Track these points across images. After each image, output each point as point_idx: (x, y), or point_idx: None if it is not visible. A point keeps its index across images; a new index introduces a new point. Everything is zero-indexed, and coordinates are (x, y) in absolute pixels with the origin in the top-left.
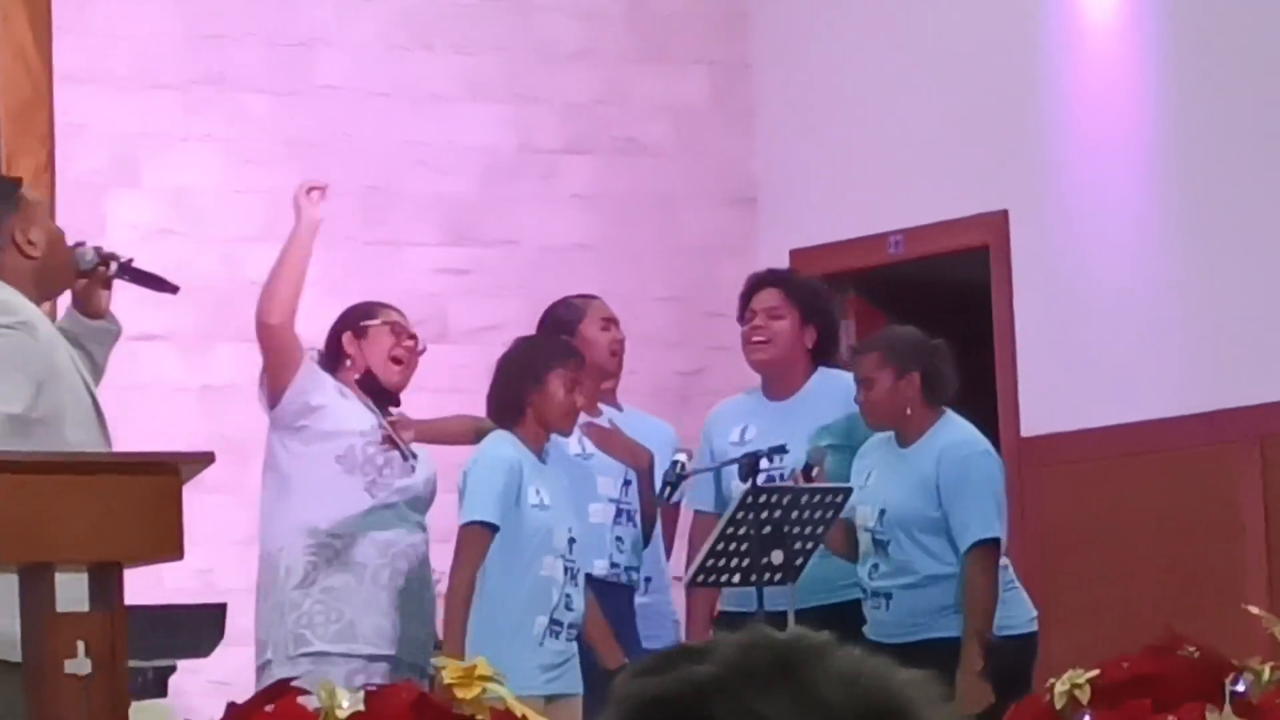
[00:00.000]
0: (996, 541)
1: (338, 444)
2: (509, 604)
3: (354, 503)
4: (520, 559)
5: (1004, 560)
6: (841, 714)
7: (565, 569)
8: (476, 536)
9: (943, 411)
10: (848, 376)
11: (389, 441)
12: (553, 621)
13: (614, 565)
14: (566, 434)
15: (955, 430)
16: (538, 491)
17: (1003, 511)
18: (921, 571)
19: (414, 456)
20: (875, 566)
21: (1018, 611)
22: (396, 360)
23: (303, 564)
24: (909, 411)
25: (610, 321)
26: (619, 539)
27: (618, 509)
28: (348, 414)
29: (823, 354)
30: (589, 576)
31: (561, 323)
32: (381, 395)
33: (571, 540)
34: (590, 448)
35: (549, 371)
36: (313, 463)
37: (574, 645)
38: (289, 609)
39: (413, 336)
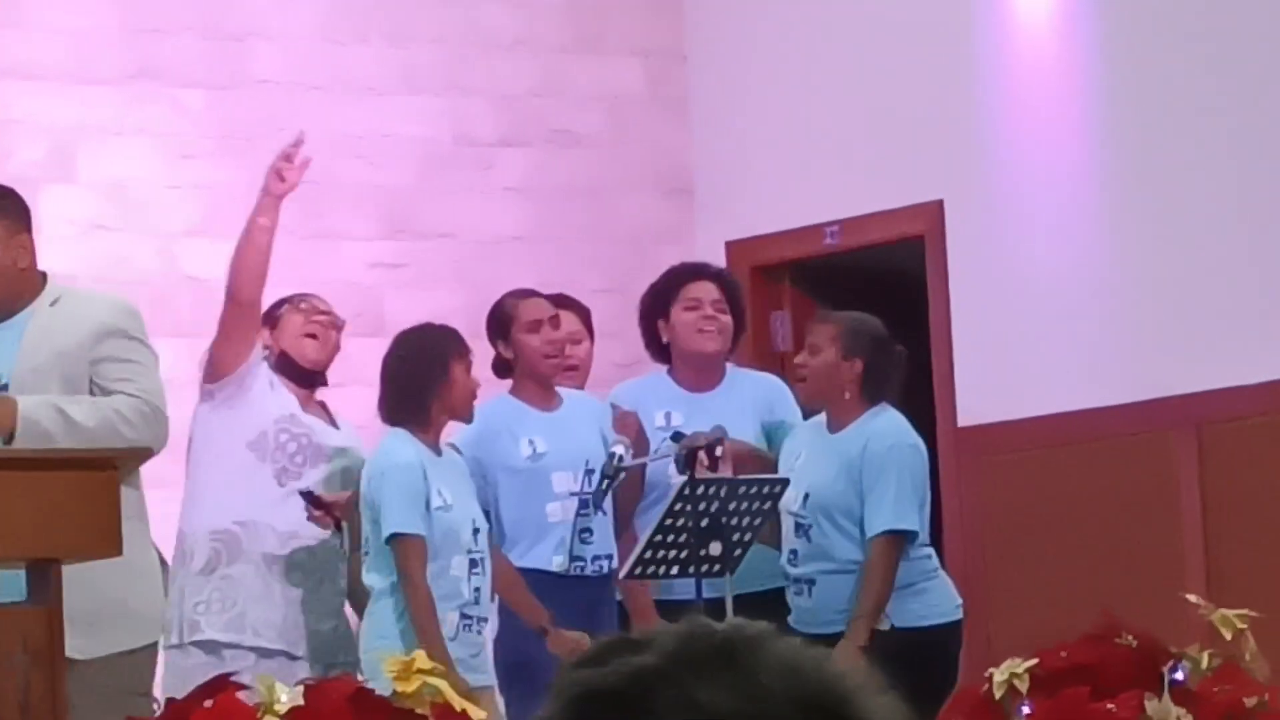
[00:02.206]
0: (905, 535)
1: (251, 429)
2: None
3: (260, 491)
4: (433, 564)
5: (927, 550)
6: (782, 702)
7: (471, 563)
8: (410, 547)
9: (880, 405)
10: (761, 376)
11: (320, 520)
12: (463, 616)
13: (576, 559)
14: (468, 421)
15: (886, 421)
16: (440, 492)
17: (924, 506)
18: (841, 557)
19: (328, 456)
20: (794, 553)
21: (942, 600)
22: (310, 335)
23: (206, 549)
24: (846, 396)
25: (539, 323)
26: (585, 530)
27: (581, 501)
28: (270, 402)
29: (730, 352)
30: (544, 572)
31: (498, 327)
32: (305, 378)
33: (475, 531)
34: (541, 447)
35: (451, 360)
36: (227, 447)
37: (484, 637)
38: (190, 593)
39: (325, 313)
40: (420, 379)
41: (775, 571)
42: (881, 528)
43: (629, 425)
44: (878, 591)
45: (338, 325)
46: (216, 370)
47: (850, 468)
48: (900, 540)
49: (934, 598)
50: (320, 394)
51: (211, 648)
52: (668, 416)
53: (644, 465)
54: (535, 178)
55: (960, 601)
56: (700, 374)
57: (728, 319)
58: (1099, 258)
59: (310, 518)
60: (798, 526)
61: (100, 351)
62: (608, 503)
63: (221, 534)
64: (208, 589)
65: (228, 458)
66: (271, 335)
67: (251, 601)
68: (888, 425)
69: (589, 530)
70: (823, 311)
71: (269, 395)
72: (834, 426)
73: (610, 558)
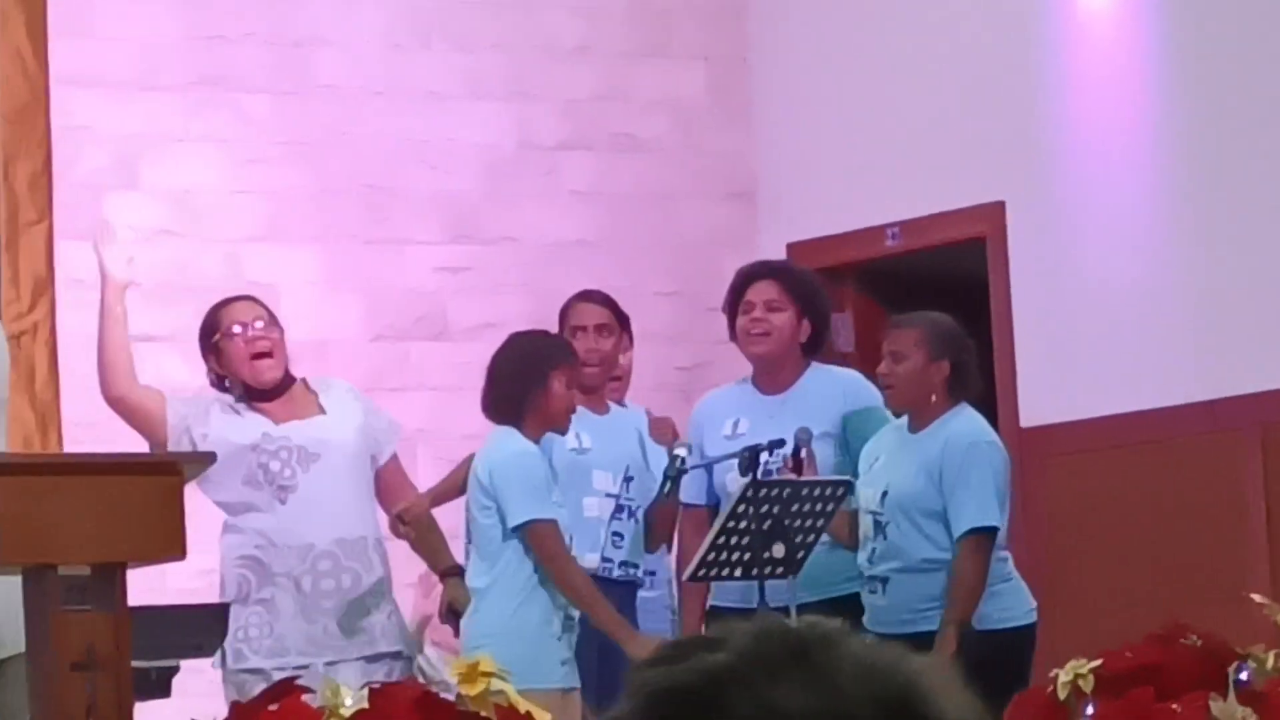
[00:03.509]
0: (992, 531)
1: (236, 463)
2: (537, 600)
3: (269, 513)
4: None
5: (1004, 553)
6: (856, 701)
7: None
8: (545, 533)
9: (960, 404)
10: (841, 372)
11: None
12: (566, 616)
13: (606, 560)
14: (564, 433)
15: (966, 420)
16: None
17: (1005, 504)
18: (917, 555)
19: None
20: (873, 551)
21: (1016, 603)
22: (259, 356)
23: (235, 577)
24: (933, 399)
25: (580, 329)
26: (616, 534)
27: (617, 504)
28: (237, 433)
29: (813, 348)
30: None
31: (561, 324)
32: (272, 392)
33: (570, 537)
34: (587, 443)
35: (551, 371)
36: (224, 483)
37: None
38: (231, 622)
39: (256, 322)
40: (519, 386)
41: (844, 577)
42: (967, 526)
43: (665, 430)
44: (969, 591)
45: (279, 326)
46: (159, 447)
47: (930, 466)
48: (987, 538)
49: (1009, 600)
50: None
51: (260, 673)
52: (734, 425)
53: (707, 465)
54: (598, 182)
55: (1034, 605)
56: (771, 377)
57: (782, 317)
58: (1161, 257)
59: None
60: (876, 524)
61: None
62: (639, 514)
63: (246, 560)
64: (245, 615)
65: (229, 491)
66: (219, 364)
67: (287, 623)
68: (968, 424)
69: (620, 535)
70: (896, 317)
71: (234, 425)
72: (915, 427)
73: (636, 567)
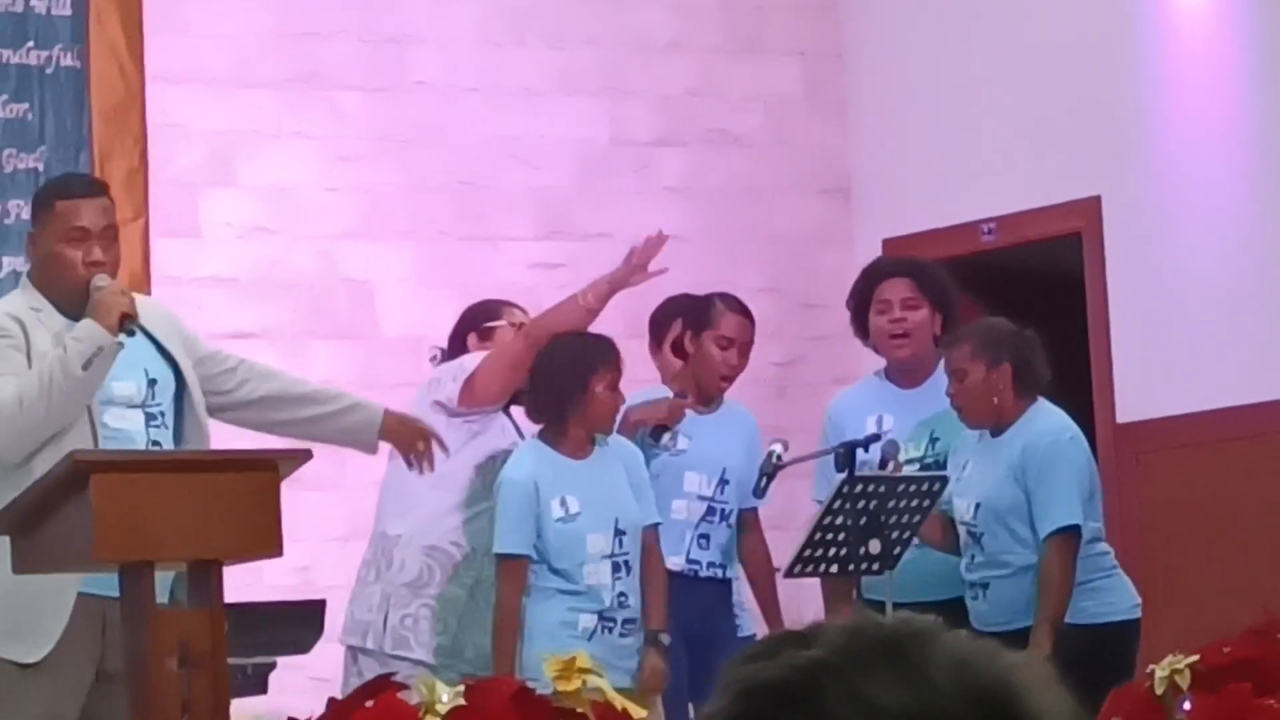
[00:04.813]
0: (1077, 529)
1: (482, 455)
2: (554, 605)
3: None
4: (559, 572)
5: (1104, 546)
6: (951, 697)
7: (614, 566)
8: (509, 568)
9: (1035, 400)
10: None
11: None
12: (602, 618)
13: (692, 562)
14: (608, 434)
15: (1044, 418)
16: (563, 502)
17: (1095, 499)
18: (1015, 564)
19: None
20: (972, 558)
21: (1120, 598)
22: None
23: (419, 563)
24: (996, 401)
25: (730, 341)
26: (703, 537)
27: (708, 506)
28: (500, 429)
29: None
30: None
31: (696, 320)
32: (514, 399)
33: (621, 533)
34: (683, 445)
35: (592, 375)
36: (456, 466)
37: (638, 639)
38: (396, 604)
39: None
40: (560, 390)
41: (942, 582)
42: (1051, 528)
43: (675, 411)
44: (1058, 592)
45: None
46: (477, 398)
47: (1014, 470)
48: (1072, 537)
49: (1112, 595)
50: None
51: (419, 665)
52: (879, 421)
53: (803, 461)
54: (692, 178)
55: (1139, 600)
56: (904, 373)
57: (920, 315)
58: (1258, 252)
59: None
60: (971, 535)
61: None
62: (733, 518)
63: (437, 551)
64: (416, 604)
65: (453, 478)
66: (480, 345)
67: (466, 627)
68: (1045, 423)
69: (706, 537)
70: (946, 336)
71: (502, 421)
72: (995, 431)
73: (724, 568)
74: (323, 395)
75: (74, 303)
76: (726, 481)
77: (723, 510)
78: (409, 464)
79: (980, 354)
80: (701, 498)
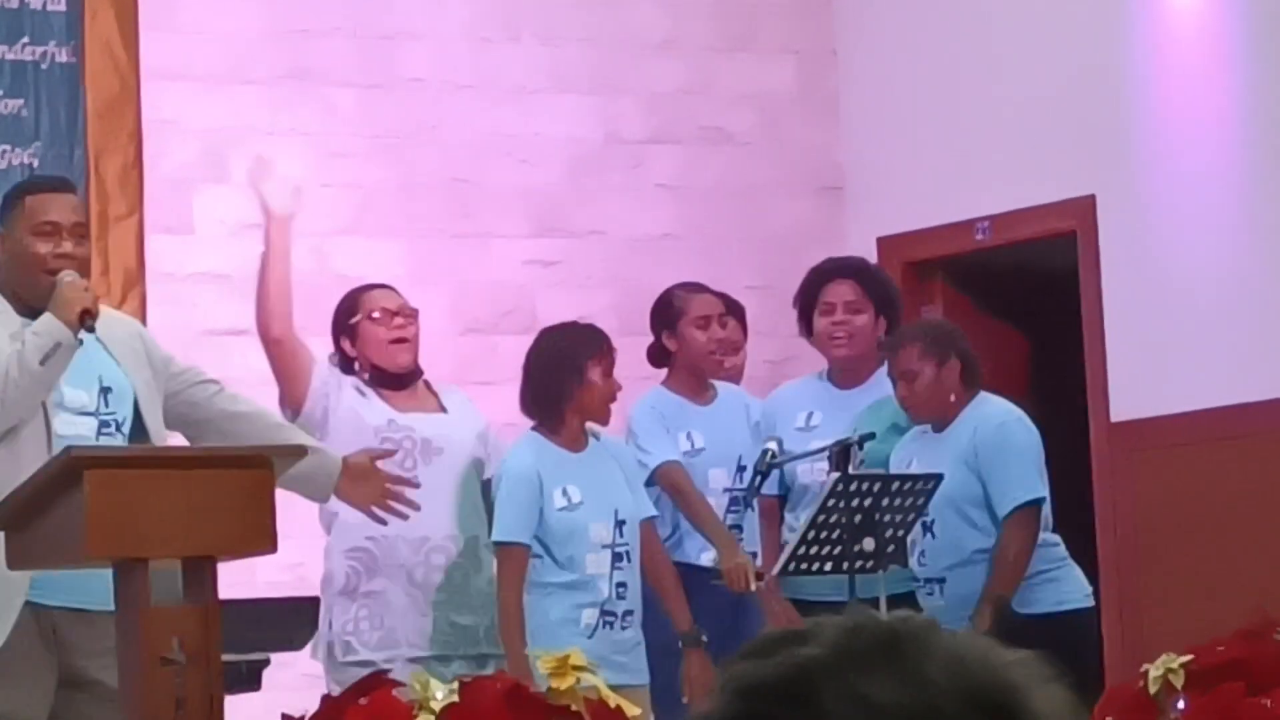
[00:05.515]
0: (1038, 503)
1: (354, 447)
2: (555, 601)
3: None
4: (561, 563)
5: (1055, 537)
6: (948, 694)
7: (615, 556)
8: (510, 556)
9: (977, 392)
10: None
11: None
12: (604, 613)
13: None
14: (605, 423)
15: (988, 405)
16: (565, 492)
17: (1043, 477)
18: (969, 547)
19: (439, 448)
20: (923, 553)
21: (1074, 588)
22: (397, 341)
23: (344, 569)
24: (953, 398)
25: (709, 319)
26: (736, 528)
27: (731, 497)
28: (365, 413)
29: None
30: (697, 567)
31: (665, 318)
32: (401, 380)
33: (620, 523)
34: (699, 442)
35: (587, 362)
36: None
37: (636, 633)
38: (337, 614)
39: (400, 312)
40: (555, 380)
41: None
42: (1012, 505)
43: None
44: (1011, 568)
45: (415, 316)
46: (293, 405)
47: (965, 455)
48: (1034, 511)
49: (1066, 585)
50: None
51: (369, 665)
52: (807, 418)
53: (797, 460)
54: (685, 176)
55: (1090, 590)
56: (845, 373)
57: (862, 319)
58: (1252, 251)
59: None
60: (923, 526)
61: None
62: (752, 499)
63: (357, 552)
64: (353, 609)
65: None
66: (352, 346)
67: (399, 616)
68: (991, 408)
69: (739, 528)
70: (886, 339)
71: (362, 406)
72: (939, 426)
73: (755, 555)
74: (294, 432)
75: (40, 298)
76: (743, 468)
77: (744, 497)
78: (380, 521)
79: (929, 353)
80: (726, 490)
